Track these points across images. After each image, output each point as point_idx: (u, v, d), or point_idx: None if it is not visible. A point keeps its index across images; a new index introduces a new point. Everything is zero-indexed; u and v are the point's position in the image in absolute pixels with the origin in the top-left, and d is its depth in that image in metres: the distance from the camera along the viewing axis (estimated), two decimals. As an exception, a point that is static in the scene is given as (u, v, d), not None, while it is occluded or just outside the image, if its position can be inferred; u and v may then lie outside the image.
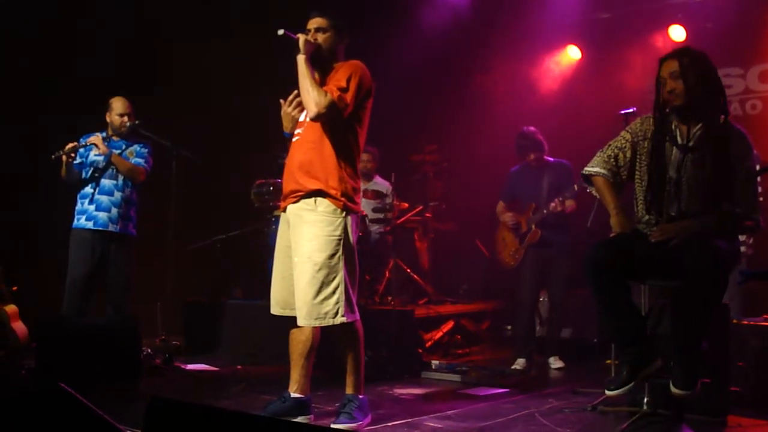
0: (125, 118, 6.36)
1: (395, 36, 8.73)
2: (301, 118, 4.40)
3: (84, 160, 6.34)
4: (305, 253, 4.16)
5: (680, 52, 4.13)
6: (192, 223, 7.79)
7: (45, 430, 2.27)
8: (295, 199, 4.28)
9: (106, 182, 6.27)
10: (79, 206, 6.30)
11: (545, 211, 6.48)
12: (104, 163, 6.27)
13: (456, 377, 5.97)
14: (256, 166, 7.97)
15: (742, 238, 5.67)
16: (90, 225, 6.21)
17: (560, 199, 6.39)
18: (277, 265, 4.43)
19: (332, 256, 4.16)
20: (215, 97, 8.54)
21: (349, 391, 4.31)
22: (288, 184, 4.35)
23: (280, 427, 1.92)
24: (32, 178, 7.06)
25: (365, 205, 7.93)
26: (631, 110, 5.19)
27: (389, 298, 7.49)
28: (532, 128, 6.75)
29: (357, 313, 4.28)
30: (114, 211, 6.25)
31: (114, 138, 6.39)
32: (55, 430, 2.26)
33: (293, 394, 4.33)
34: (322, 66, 4.36)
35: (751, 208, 3.98)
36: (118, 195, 6.28)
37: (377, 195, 7.91)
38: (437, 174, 8.76)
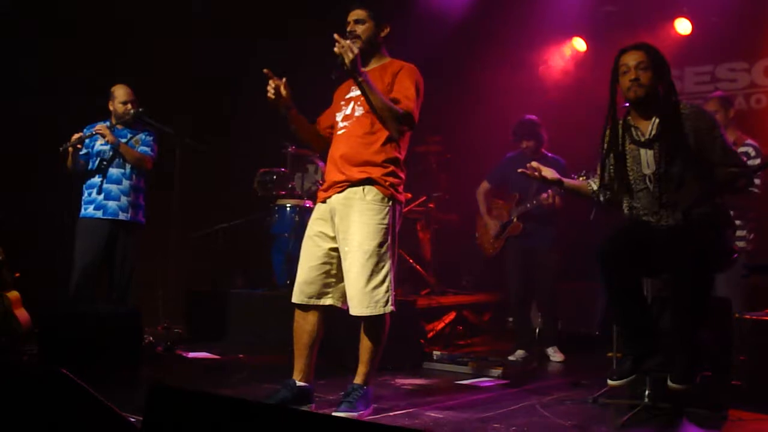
0: (129, 106, 6.35)
1: (400, 27, 8.70)
2: (348, 111, 4.39)
3: (90, 150, 6.33)
4: (356, 241, 4.17)
5: (644, 45, 4.16)
6: (194, 211, 7.79)
7: (47, 415, 2.28)
8: (340, 189, 4.27)
9: (113, 171, 6.27)
10: (86, 196, 6.30)
11: (529, 205, 6.46)
12: (111, 153, 6.27)
13: (457, 368, 5.97)
14: (260, 155, 7.97)
15: (742, 233, 5.67)
16: (99, 214, 6.21)
17: (551, 192, 6.36)
18: (305, 254, 4.39)
19: (382, 244, 4.18)
20: (219, 85, 8.53)
21: (357, 380, 4.30)
22: (332, 175, 4.34)
23: (280, 414, 1.92)
24: (33, 166, 7.05)
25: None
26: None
27: (391, 288, 7.49)
28: (533, 117, 6.73)
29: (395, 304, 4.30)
30: (123, 199, 6.25)
31: (118, 126, 6.38)
32: (57, 415, 2.27)
33: (299, 383, 4.33)
34: (365, 58, 4.32)
35: (738, 161, 4.07)
36: (126, 183, 6.28)
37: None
38: (440, 165, 8.74)
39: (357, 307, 4.18)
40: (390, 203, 4.25)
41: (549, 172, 4.36)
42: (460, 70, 9.30)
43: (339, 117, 4.45)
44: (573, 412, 4.53)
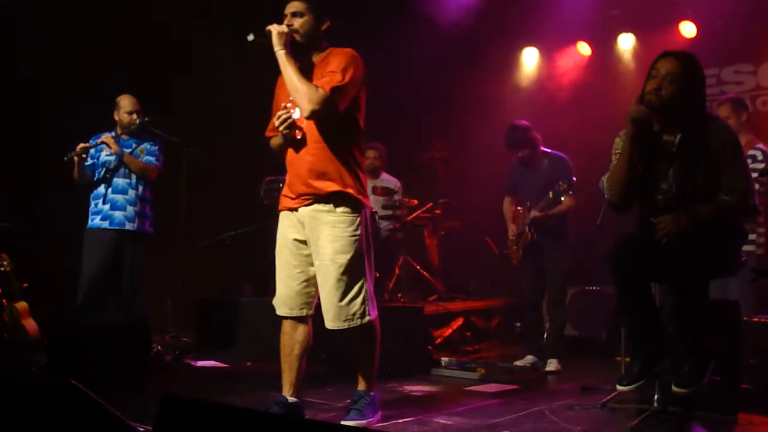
0: (134, 116, 6.37)
1: (406, 33, 8.73)
2: (296, 115, 4.16)
3: (95, 161, 6.35)
4: (328, 255, 4.07)
5: (683, 55, 4.04)
6: (201, 220, 7.80)
7: (56, 426, 2.28)
8: (308, 202, 4.14)
9: (119, 181, 6.28)
10: (92, 207, 6.31)
11: (538, 212, 6.41)
12: (116, 163, 6.28)
13: (466, 374, 5.96)
14: (266, 163, 7.97)
15: (752, 236, 5.65)
16: (106, 224, 6.22)
17: (543, 205, 6.33)
18: (282, 265, 4.29)
19: (356, 256, 4.09)
20: (224, 94, 8.54)
21: (361, 387, 4.28)
22: (297, 187, 4.18)
23: (291, 425, 1.92)
24: (40, 176, 7.07)
25: (374, 202, 7.92)
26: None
27: (399, 295, 7.49)
28: (521, 123, 6.62)
29: (376, 308, 4.25)
30: (130, 209, 6.26)
31: (123, 137, 6.39)
32: (66, 425, 2.27)
33: (291, 399, 4.24)
34: (305, 53, 4.19)
35: (742, 194, 3.92)
36: (132, 193, 6.29)
37: (386, 192, 7.89)
38: (447, 171, 8.74)
39: (333, 321, 4.10)
40: (359, 211, 4.16)
41: None
42: (465, 75, 9.30)
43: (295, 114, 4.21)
44: (582, 418, 4.51)
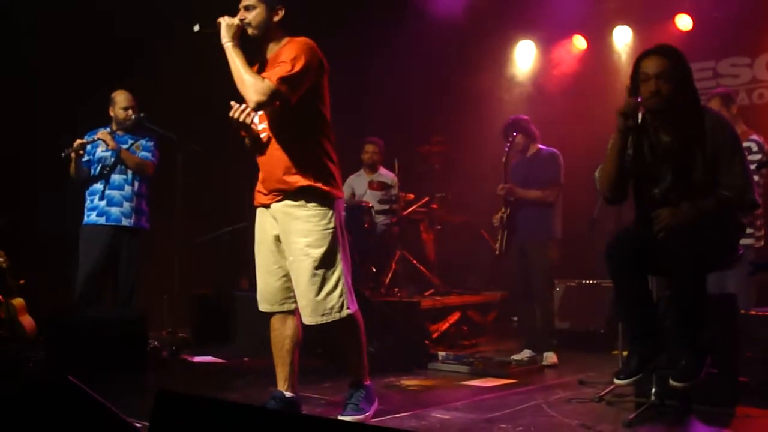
0: (129, 112, 6.35)
1: (403, 27, 8.72)
2: (260, 112, 4.13)
3: (91, 157, 6.33)
4: (301, 250, 4.02)
5: (666, 50, 4.00)
6: (198, 215, 7.79)
7: (53, 422, 2.28)
8: (279, 198, 4.11)
9: (115, 177, 6.27)
10: (89, 203, 6.31)
11: (505, 194, 6.41)
12: (112, 159, 6.27)
13: (463, 368, 5.96)
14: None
15: (750, 230, 5.64)
16: (102, 220, 6.22)
17: (505, 184, 6.36)
18: (260, 260, 4.29)
19: (330, 250, 4.04)
20: (219, 89, 8.51)
21: (353, 381, 4.25)
22: (268, 183, 4.16)
23: (288, 420, 1.91)
24: (36, 174, 7.06)
25: (371, 197, 7.93)
26: (638, 100, 5.15)
27: (395, 289, 7.49)
28: (519, 116, 6.70)
29: (355, 301, 4.18)
30: (126, 205, 6.26)
31: (119, 132, 6.38)
32: (63, 422, 2.26)
33: (288, 394, 4.21)
34: (261, 46, 4.15)
35: (742, 189, 3.91)
36: (128, 189, 6.28)
37: (383, 186, 7.90)
38: (444, 165, 8.74)
39: (311, 316, 4.05)
40: (332, 203, 4.09)
41: None
42: (461, 70, 9.31)
43: (255, 119, 4.16)
44: (579, 411, 4.52)
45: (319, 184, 4.06)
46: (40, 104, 7.24)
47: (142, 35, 7.77)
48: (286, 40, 4.13)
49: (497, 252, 6.60)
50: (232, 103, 4.07)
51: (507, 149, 6.52)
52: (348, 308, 4.07)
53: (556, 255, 6.52)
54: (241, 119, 4.04)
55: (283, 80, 3.87)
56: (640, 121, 4.05)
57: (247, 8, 4.09)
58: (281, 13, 4.11)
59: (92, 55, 7.54)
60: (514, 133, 6.49)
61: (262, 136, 4.18)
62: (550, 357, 6.39)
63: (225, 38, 3.99)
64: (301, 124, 4.08)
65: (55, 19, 7.36)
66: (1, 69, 7.10)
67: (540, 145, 6.59)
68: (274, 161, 4.11)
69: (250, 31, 4.07)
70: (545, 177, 6.42)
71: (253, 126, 4.16)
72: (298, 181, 4.04)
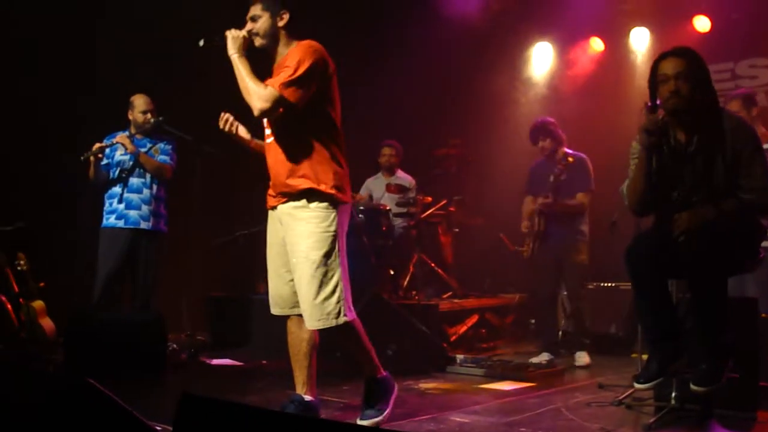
0: (148, 115, 6.39)
1: (421, 30, 8.72)
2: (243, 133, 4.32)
3: (110, 160, 6.37)
4: (302, 252, 4.01)
5: (684, 51, 3.98)
6: (215, 218, 7.81)
7: (73, 425, 2.28)
8: (284, 200, 4.11)
9: (134, 181, 6.31)
10: (107, 206, 6.34)
11: (540, 201, 6.40)
12: (131, 163, 6.30)
13: (481, 372, 5.95)
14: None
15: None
16: (121, 223, 6.25)
17: (548, 192, 6.34)
18: (270, 263, 4.28)
19: (329, 253, 4.00)
20: (238, 92, 8.53)
21: (368, 374, 4.20)
22: (276, 186, 4.16)
23: (311, 425, 1.91)
24: (56, 176, 7.09)
25: (388, 200, 7.93)
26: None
27: (413, 292, 7.48)
28: (546, 118, 6.70)
29: (353, 310, 4.10)
30: (144, 208, 6.29)
31: (137, 136, 6.41)
32: (83, 425, 2.27)
33: (306, 398, 4.19)
34: (271, 52, 4.17)
35: (762, 191, 3.87)
36: (147, 192, 6.31)
37: (400, 189, 7.90)
38: (461, 168, 8.73)
39: (309, 320, 4.02)
40: (335, 207, 4.06)
41: None
42: (478, 72, 9.29)
43: (241, 130, 4.37)
44: (599, 415, 4.50)
45: (321, 187, 4.04)
46: (57, 109, 7.26)
47: (161, 37, 7.80)
48: (293, 44, 4.14)
49: (525, 255, 6.60)
50: (222, 113, 4.24)
51: (539, 161, 6.56)
52: (345, 316, 4.00)
53: (588, 257, 6.53)
54: (225, 129, 4.26)
55: (285, 86, 3.90)
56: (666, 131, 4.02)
57: (254, 19, 4.13)
58: (285, 17, 4.14)
59: (109, 58, 7.57)
60: (542, 142, 6.51)
61: (268, 141, 4.21)
62: (582, 357, 6.47)
63: (231, 50, 4.05)
64: (306, 127, 4.08)
65: (75, 20, 7.39)
66: (21, 69, 7.13)
67: (566, 149, 6.58)
68: (279, 164, 4.13)
69: (257, 41, 4.12)
70: (580, 184, 6.43)
71: (239, 136, 4.38)
72: (301, 183, 4.04)
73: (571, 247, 6.50)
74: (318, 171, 4.05)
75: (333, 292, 3.99)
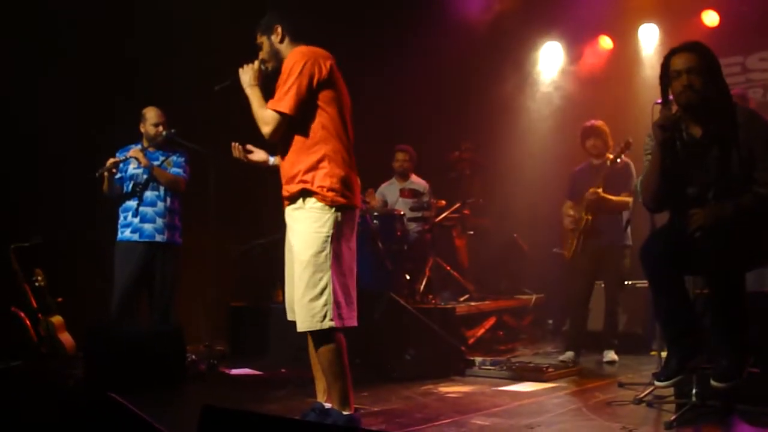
0: (160, 128, 6.40)
1: (433, 34, 8.73)
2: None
3: (123, 174, 6.39)
4: (296, 252, 4.03)
5: (695, 45, 3.99)
6: (232, 228, 7.82)
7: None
8: (287, 203, 4.17)
9: (148, 194, 6.33)
10: (122, 220, 6.36)
11: (588, 194, 6.39)
12: (145, 176, 6.33)
13: (500, 374, 5.93)
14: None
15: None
16: (136, 237, 6.27)
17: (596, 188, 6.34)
18: (287, 269, 4.30)
19: (318, 253, 3.94)
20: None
21: (334, 405, 4.01)
22: (283, 189, 4.21)
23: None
24: (72, 191, 7.13)
25: (402, 204, 7.94)
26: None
27: (430, 296, 7.48)
28: (597, 122, 6.73)
29: (347, 321, 4.02)
30: (159, 221, 6.31)
31: (150, 149, 6.43)
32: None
33: (326, 405, 4.17)
34: (281, 66, 4.21)
35: None
36: (161, 205, 6.34)
37: (414, 194, 7.90)
38: (474, 170, 8.72)
39: (298, 322, 4.00)
40: (332, 210, 4.01)
41: None
42: (488, 74, 9.29)
43: (250, 155, 4.57)
44: (620, 414, 4.48)
45: (315, 188, 4.03)
46: (75, 122, 7.29)
47: (176, 49, 7.84)
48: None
49: (567, 255, 6.59)
50: (232, 144, 4.53)
51: (582, 166, 6.65)
52: (331, 321, 3.92)
53: (630, 261, 6.53)
54: (237, 156, 4.53)
55: (279, 103, 4.06)
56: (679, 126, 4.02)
57: (259, 47, 4.31)
58: (279, 30, 4.26)
59: (122, 70, 7.61)
60: (593, 141, 6.59)
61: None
62: (611, 355, 6.52)
63: (244, 84, 4.24)
64: (302, 130, 4.11)
65: (92, 31, 7.42)
66: (36, 86, 7.17)
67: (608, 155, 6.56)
68: (285, 168, 4.20)
69: (269, 66, 4.29)
70: (624, 185, 6.41)
71: (254, 161, 4.59)
72: (300, 185, 4.08)
73: (617, 251, 6.53)
74: (316, 174, 4.06)
75: (320, 294, 3.92)
